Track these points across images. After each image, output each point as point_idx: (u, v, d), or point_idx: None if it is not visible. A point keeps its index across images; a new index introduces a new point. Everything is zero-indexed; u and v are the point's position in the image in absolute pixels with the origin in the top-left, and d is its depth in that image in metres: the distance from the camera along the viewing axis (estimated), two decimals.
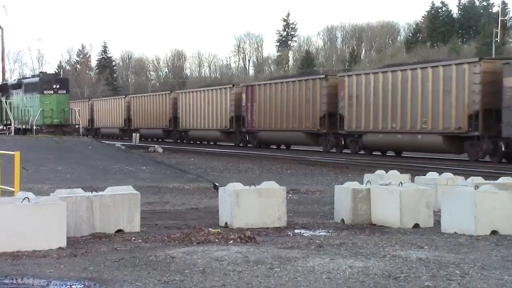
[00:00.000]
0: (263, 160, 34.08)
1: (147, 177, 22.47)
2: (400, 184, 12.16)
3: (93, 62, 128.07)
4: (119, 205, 10.96)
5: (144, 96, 62.82)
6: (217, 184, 19.50)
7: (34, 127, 41.10)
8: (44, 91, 41.81)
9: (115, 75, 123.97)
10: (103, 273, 7.85)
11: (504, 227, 10.86)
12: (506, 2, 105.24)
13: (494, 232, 10.80)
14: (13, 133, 43.24)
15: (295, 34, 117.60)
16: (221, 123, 48.78)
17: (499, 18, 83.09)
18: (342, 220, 12.32)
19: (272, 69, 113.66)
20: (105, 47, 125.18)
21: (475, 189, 11.31)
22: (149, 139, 58.17)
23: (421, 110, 31.77)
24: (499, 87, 27.77)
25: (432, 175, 15.15)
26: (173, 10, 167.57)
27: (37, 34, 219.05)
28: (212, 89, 51.28)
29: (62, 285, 7.41)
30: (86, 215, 10.74)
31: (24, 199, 9.64)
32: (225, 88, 49.46)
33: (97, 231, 10.74)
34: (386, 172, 15.70)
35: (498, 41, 78.19)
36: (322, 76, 40.28)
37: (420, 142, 32.55)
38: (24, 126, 43.53)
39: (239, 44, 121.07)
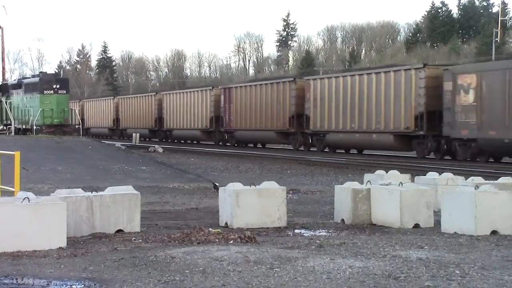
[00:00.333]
0: (263, 160, 34.12)
1: (147, 177, 22.47)
2: (400, 184, 12.16)
3: (93, 62, 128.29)
4: (119, 205, 10.96)
5: (131, 97, 65.55)
6: (217, 184, 19.50)
7: (34, 127, 41.09)
8: (44, 91, 41.81)
9: (115, 75, 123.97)
10: (103, 273, 7.85)
11: (504, 227, 10.86)
12: (506, 2, 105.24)
13: (494, 232, 10.80)
14: (13, 133, 43.24)
15: (295, 34, 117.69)
16: (201, 123, 51.30)
17: (499, 18, 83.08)
18: (342, 220, 12.32)
19: (272, 69, 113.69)
20: (105, 47, 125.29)
21: (475, 189, 11.31)
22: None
23: (375, 111, 34.58)
24: (440, 91, 30.82)
25: (432, 175, 15.15)
26: (173, 10, 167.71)
27: (37, 34, 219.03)
28: (193, 91, 54.03)
29: (62, 285, 7.41)
30: (86, 215, 10.74)
31: (24, 199, 9.64)
32: (205, 90, 52.20)
33: (97, 231, 10.74)
34: (386, 172, 15.70)
35: (498, 41, 78.21)
36: (291, 79, 42.99)
37: (374, 141, 35.33)
38: (24, 126, 43.53)
39: (239, 44, 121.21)
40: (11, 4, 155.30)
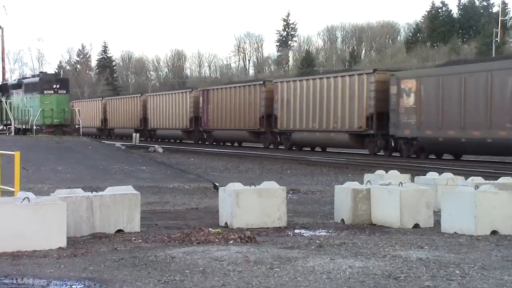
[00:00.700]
0: (263, 160, 34.14)
1: (147, 177, 22.47)
2: (400, 184, 12.15)
3: (93, 62, 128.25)
4: (119, 205, 10.96)
5: (118, 98, 68.73)
6: (217, 184, 19.50)
7: (34, 127, 41.08)
8: (44, 91, 41.81)
9: (115, 75, 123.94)
10: (103, 273, 7.85)
11: (504, 227, 10.86)
12: (506, 2, 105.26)
13: (494, 232, 10.80)
14: (13, 133, 43.22)
15: (295, 34, 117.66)
16: (182, 123, 54.59)
17: (499, 18, 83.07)
18: (342, 220, 12.32)
19: (272, 69, 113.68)
20: (105, 47, 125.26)
21: (475, 189, 11.31)
22: (124, 138, 62.19)
23: (333, 112, 37.80)
24: (388, 94, 34.01)
25: (432, 175, 15.15)
26: (173, 10, 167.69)
27: (37, 34, 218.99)
28: (175, 93, 57.55)
29: (62, 285, 7.41)
30: (86, 215, 10.74)
31: (24, 199, 9.64)
32: (185, 92, 55.59)
33: (97, 231, 10.74)
34: (386, 172, 15.70)
35: (498, 41, 78.21)
36: (261, 82, 46.23)
37: (333, 139, 38.72)
38: (24, 126, 43.51)
39: (239, 44, 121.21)
40: (11, 4, 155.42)
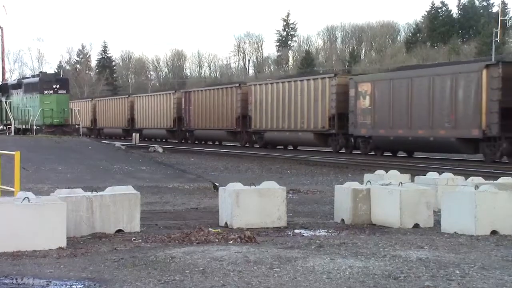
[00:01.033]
0: (263, 160, 34.15)
1: (147, 177, 22.45)
2: (400, 184, 12.15)
3: (93, 62, 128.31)
4: (119, 205, 10.96)
5: (107, 99, 70.81)
6: (217, 184, 19.50)
7: (34, 127, 41.04)
8: (44, 91, 41.75)
9: (115, 75, 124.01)
10: (103, 273, 7.85)
11: (504, 227, 10.85)
12: (506, 2, 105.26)
13: (494, 232, 10.80)
14: (13, 133, 43.17)
15: (295, 34, 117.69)
16: (166, 123, 57.47)
17: (499, 18, 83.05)
18: (342, 220, 12.32)
19: (272, 69, 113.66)
20: (105, 47, 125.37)
21: (475, 189, 11.31)
22: (113, 137, 64.31)
23: (300, 113, 40.60)
24: (347, 97, 36.92)
25: (432, 175, 15.15)
26: (173, 10, 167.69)
27: (37, 34, 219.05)
28: (159, 94, 60.57)
29: (62, 285, 7.41)
30: (86, 215, 10.74)
31: (24, 199, 9.64)
32: (169, 93, 58.45)
33: (97, 231, 10.74)
34: (386, 172, 15.70)
35: (498, 41, 78.19)
36: (237, 85, 49.04)
37: (300, 138, 41.61)
38: (24, 126, 43.47)
39: (239, 44, 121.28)
40: (11, 4, 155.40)
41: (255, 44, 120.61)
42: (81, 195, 10.91)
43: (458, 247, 9.63)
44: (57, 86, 42.08)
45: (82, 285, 7.39)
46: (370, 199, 12.18)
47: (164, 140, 58.99)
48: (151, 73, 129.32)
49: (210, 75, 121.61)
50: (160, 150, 41.61)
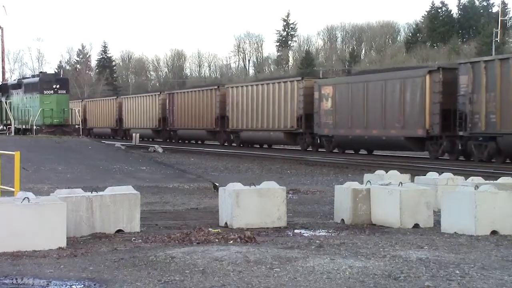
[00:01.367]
0: (263, 160, 34.17)
1: (147, 177, 22.45)
2: (400, 184, 12.15)
3: (93, 62, 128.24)
4: (119, 205, 10.96)
5: (96, 100, 73.46)
6: (217, 184, 19.49)
7: (34, 127, 41.04)
8: (44, 91, 41.75)
9: (115, 75, 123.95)
10: (103, 273, 7.85)
11: (504, 227, 10.85)
12: (506, 2, 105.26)
13: (494, 232, 10.80)
14: (13, 133, 43.19)
15: (295, 34, 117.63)
16: (152, 123, 59.83)
17: (499, 18, 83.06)
18: (342, 220, 12.32)
19: (272, 69, 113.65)
20: (105, 47, 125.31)
21: (475, 189, 11.31)
22: (102, 137, 65.16)
23: (272, 114, 43.35)
24: (313, 98, 39.70)
25: (432, 175, 15.15)
26: (173, 10, 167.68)
27: (37, 34, 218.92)
28: (145, 96, 63.07)
29: (62, 285, 7.41)
30: (86, 215, 10.73)
31: (24, 199, 9.64)
32: (154, 94, 61.13)
33: (97, 231, 10.74)
34: (386, 172, 15.70)
35: (498, 41, 78.19)
36: (215, 87, 51.87)
37: (272, 137, 44.40)
38: (24, 126, 43.47)
39: (239, 44, 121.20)
40: (11, 4, 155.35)
41: (255, 44, 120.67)
42: (81, 195, 10.91)
43: (458, 247, 9.63)
44: (57, 86, 42.08)
45: (82, 285, 7.39)
46: (370, 199, 12.18)
47: (150, 140, 60.99)
48: (151, 73, 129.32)
49: (210, 75, 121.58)
50: (160, 150, 41.63)
